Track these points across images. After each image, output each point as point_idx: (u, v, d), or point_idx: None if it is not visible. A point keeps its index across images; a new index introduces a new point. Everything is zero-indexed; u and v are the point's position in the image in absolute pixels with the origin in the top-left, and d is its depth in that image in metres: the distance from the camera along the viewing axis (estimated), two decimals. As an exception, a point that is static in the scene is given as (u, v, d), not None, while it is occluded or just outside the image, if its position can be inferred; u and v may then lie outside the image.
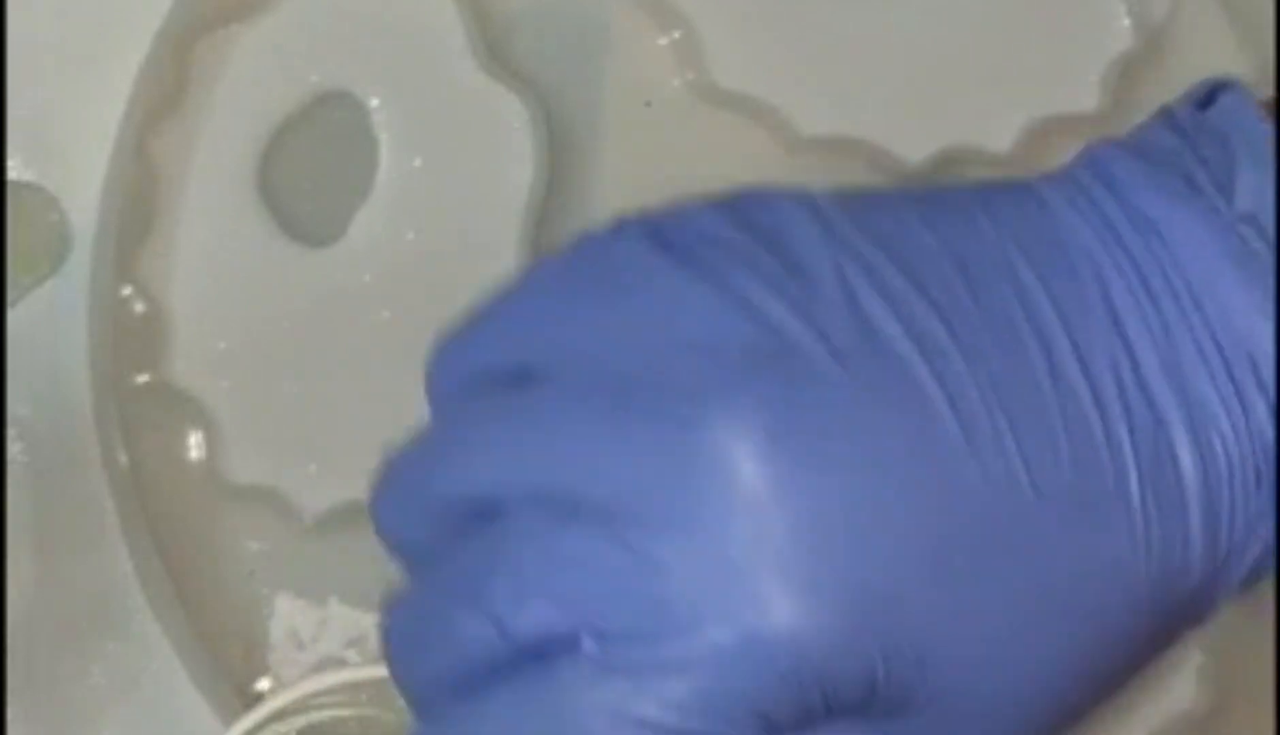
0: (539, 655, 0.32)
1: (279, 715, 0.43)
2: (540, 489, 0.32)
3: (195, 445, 0.49)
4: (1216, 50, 0.52)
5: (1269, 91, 0.36)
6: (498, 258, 0.49)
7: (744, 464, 0.31)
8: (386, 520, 0.35)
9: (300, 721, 0.44)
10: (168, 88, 0.49)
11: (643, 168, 0.51)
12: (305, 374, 0.49)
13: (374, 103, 0.49)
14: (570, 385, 0.33)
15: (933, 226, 0.33)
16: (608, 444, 0.32)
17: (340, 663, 0.49)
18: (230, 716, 0.47)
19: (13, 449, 0.47)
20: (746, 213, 0.33)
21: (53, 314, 0.48)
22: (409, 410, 0.49)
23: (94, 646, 0.47)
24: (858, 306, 0.32)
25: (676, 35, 0.51)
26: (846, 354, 0.32)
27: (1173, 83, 0.51)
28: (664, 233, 0.33)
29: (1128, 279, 0.33)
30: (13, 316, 0.47)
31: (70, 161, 0.48)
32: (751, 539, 0.31)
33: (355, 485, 0.48)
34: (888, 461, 0.31)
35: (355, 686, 0.45)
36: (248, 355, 0.49)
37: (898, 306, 0.32)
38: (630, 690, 0.31)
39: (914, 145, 0.50)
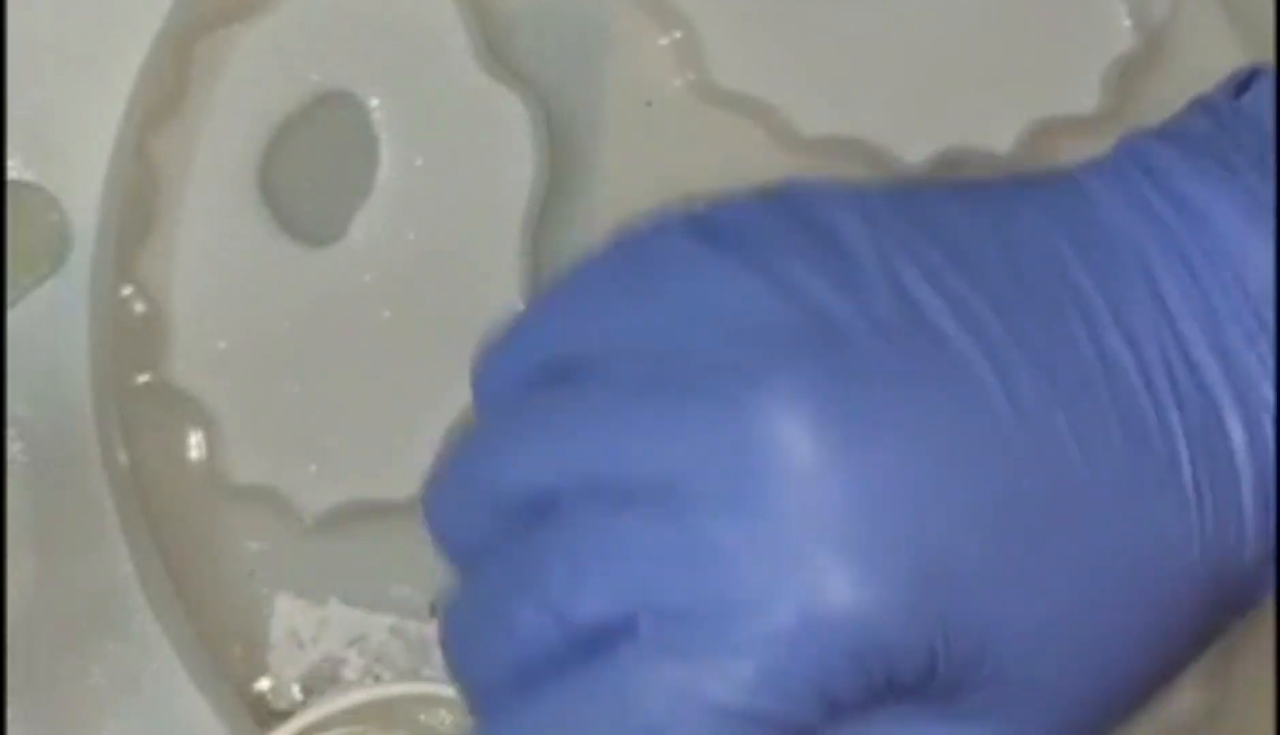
0: (598, 642, 0.32)
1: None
2: (594, 478, 0.32)
3: (195, 445, 0.49)
4: (1216, 50, 0.52)
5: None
6: (498, 258, 0.49)
7: (796, 442, 0.31)
8: (439, 519, 0.35)
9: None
10: (168, 88, 0.49)
11: (643, 168, 0.51)
12: (305, 374, 0.49)
13: (374, 103, 0.49)
14: (619, 375, 0.33)
15: (975, 213, 0.34)
16: (659, 429, 0.32)
17: (341, 661, 0.49)
18: (227, 718, 0.47)
19: (13, 449, 0.47)
20: (788, 202, 0.34)
21: (53, 314, 0.48)
22: (409, 410, 0.49)
23: (94, 646, 0.47)
24: (901, 285, 0.32)
25: (677, 35, 0.51)
26: (892, 331, 0.32)
27: (1173, 83, 0.52)
28: (705, 224, 0.34)
29: (1171, 260, 0.33)
30: (13, 316, 0.47)
31: (70, 161, 0.48)
32: (808, 517, 0.31)
33: (355, 485, 0.49)
34: (938, 434, 0.31)
35: (356, 710, 0.45)
36: (248, 355, 0.49)
37: (941, 286, 0.32)
38: (691, 671, 0.31)
39: (914, 145, 0.50)
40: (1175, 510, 0.32)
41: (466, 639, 0.34)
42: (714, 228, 0.34)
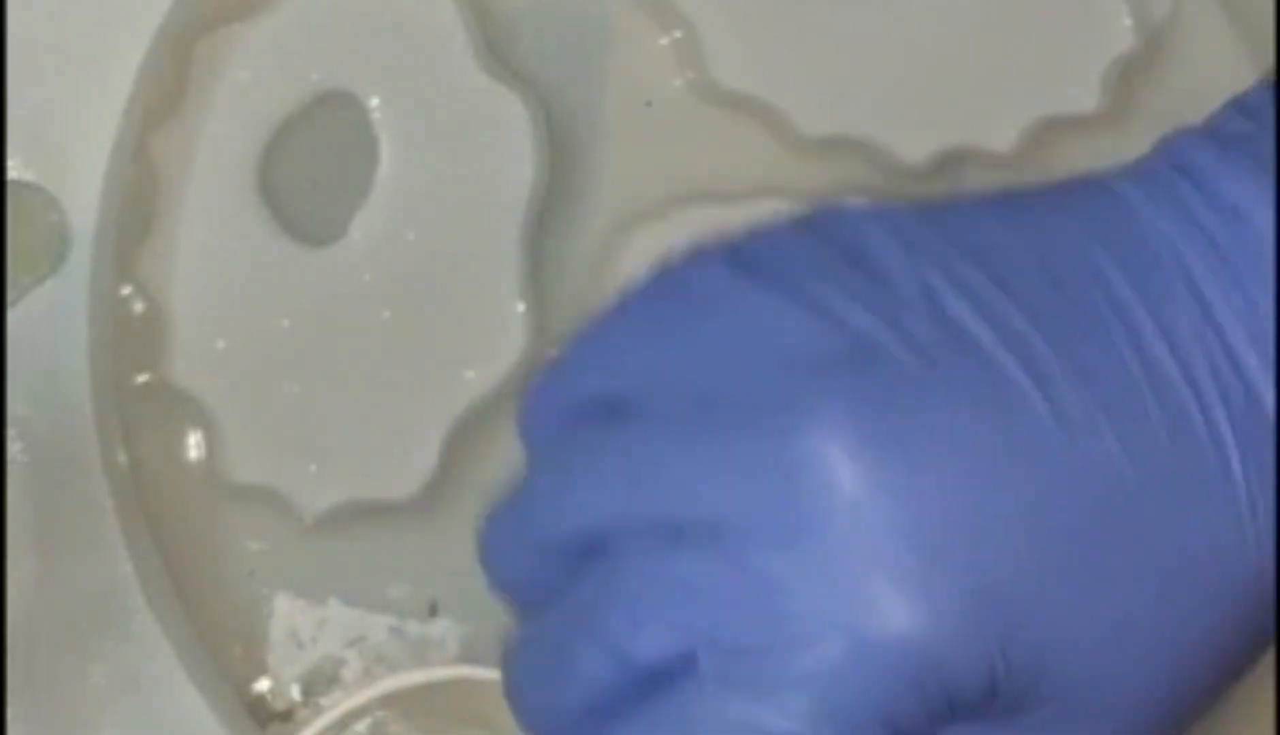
0: (660, 680, 0.32)
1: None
2: (643, 517, 0.33)
3: (195, 445, 0.49)
4: (1216, 50, 0.52)
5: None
6: (498, 258, 0.49)
7: (842, 471, 0.31)
8: (496, 564, 0.36)
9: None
10: (168, 87, 0.49)
11: (643, 168, 0.51)
12: (305, 374, 0.49)
13: (374, 103, 0.49)
14: (664, 413, 0.33)
15: (1008, 225, 0.34)
16: (705, 466, 0.32)
17: (340, 661, 0.49)
18: (226, 718, 0.47)
19: (13, 449, 0.47)
20: (822, 229, 0.34)
21: (52, 314, 0.48)
22: (409, 410, 0.49)
23: (94, 646, 0.47)
24: (939, 305, 0.32)
25: (677, 35, 0.51)
26: (931, 352, 0.32)
27: (1173, 83, 0.52)
28: (741, 255, 0.34)
29: (1211, 262, 0.33)
30: (13, 316, 0.47)
31: (70, 161, 0.48)
32: (860, 545, 0.31)
33: (355, 485, 0.49)
34: (985, 454, 0.31)
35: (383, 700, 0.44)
36: (248, 355, 0.49)
37: (978, 302, 0.32)
38: (753, 705, 0.31)
39: (914, 145, 0.50)
40: (1227, 515, 0.32)
41: (530, 683, 0.35)
42: (751, 259, 0.34)
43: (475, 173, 0.49)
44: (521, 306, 0.49)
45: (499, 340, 0.49)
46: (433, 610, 0.49)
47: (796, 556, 0.31)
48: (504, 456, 0.49)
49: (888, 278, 0.33)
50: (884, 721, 0.31)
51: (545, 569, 0.34)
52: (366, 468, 0.49)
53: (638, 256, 0.49)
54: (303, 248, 0.49)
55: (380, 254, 0.49)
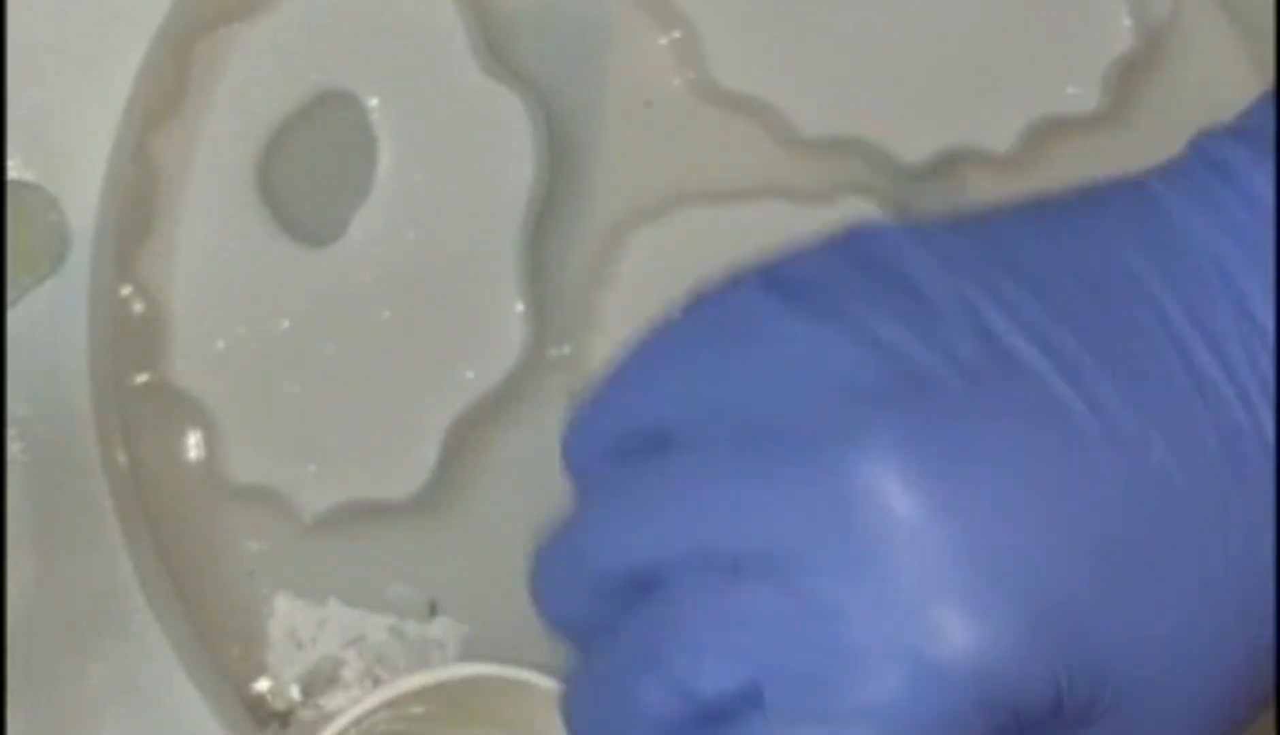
0: (725, 714, 0.32)
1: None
2: (699, 550, 0.33)
3: (195, 445, 0.49)
4: (1216, 50, 0.52)
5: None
6: (498, 258, 0.49)
7: (898, 498, 0.31)
8: (548, 601, 0.36)
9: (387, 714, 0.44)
10: (167, 87, 0.49)
11: (643, 168, 0.51)
12: (305, 374, 0.49)
13: (374, 103, 0.49)
14: (712, 443, 0.33)
15: (1047, 239, 0.34)
16: (760, 497, 0.32)
17: (340, 662, 0.49)
18: (225, 718, 0.47)
19: (13, 449, 0.47)
20: (858, 250, 0.34)
21: (52, 314, 0.48)
22: (409, 410, 0.49)
23: (94, 646, 0.47)
24: (983, 326, 0.32)
25: (677, 35, 0.51)
26: (980, 375, 0.32)
27: (1173, 83, 0.52)
28: (780, 280, 0.34)
29: (1246, 256, 0.33)
30: (12, 316, 0.47)
31: (70, 161, 0.48)
32: (919, 571, 0.31)
33: (355, 485, 0.49)
34: (1038, 474, 0.32)
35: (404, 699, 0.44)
36: (248, 355, 0.49)
37: (1024, 322, 0.32)
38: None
39: (914, 145, 0.50)
40: (1272, 518, 0.32)
41: (591, 718, 0.35)
42: (790, 285, 0.34)
43: (475, 173, 0.49)
44: (521, 306, 0.49)
45: (499, 340, 0.49)
46: (433, 610, 0.49)
47: (856, 585, 0.31)
48: (504, 456, 0.50)
49: (930, 299, 0.33)
50: None
51: (599, 604, 0.34)
52: (366, 468, 0.49)
53: (638, 256, 0.49)
54: (303, 248, 0.49)
55: (380, 254, 0.49)
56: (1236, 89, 0.51)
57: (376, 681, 0.48)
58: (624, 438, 0.35)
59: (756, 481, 0.32)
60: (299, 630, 0.49)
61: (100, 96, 0.48)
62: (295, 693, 0.49)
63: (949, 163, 0.50)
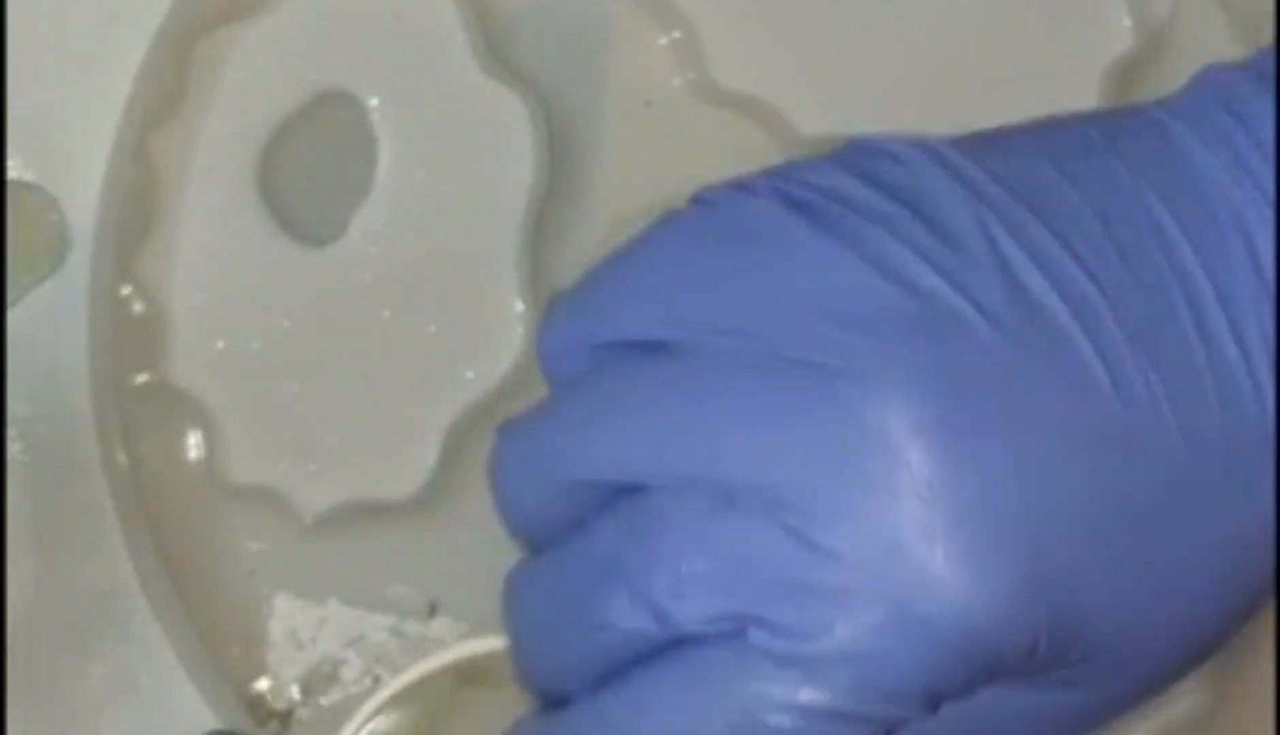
0: (697, 643, 0.31)
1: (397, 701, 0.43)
2: (692, 471, 0.31)
3: (195, 445, 0.49)
4: (1216, 50, 0.52)
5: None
6: (498, 257, 0.49)
7: (910, 445, 0.31)
8: (510, 494, 0.34)
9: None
10: (167, 87, 0.49)
11: (643, 168, 0.51)
12: (305, 374, 0.49)
13: (374, 102, 0.49)
14: (716, 358, 0.32)
15: (1069, 176, 0.33)
16: (766, 427, 0.31)
17: (340, 661, 0.49)
18: (226, 718, 0.47)
19: (13, 449, 0.47)
20: (875, 169, 0.33)
21: (52, 314, 0.48)
22: (409, 410, 0.49)
23: (94, 646, 0.47)
24: (1008, 269, 0.31)
25: (676, 35, 0.51)
26: (1002, 320, 0.31)
27: (1173, 83, 0.51)
28: (795, 196, 0.32)
29: (1264, 216, 0.33)
30: (12, 316, 0.47)
31: (70, 161, 0.48)
32: (919, 522, 0.31)
33: (355, 485, 0.48)
34: (1052, 437, 0.31)
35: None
36: (247, 355, 0.49)
37: (1050, 270, 0.32)
38: (802, 679, 0.31)
39: (914, 145, 0.50)
40: (1270, 484, 0.32)
41: (543, 626, 0.33)
42: (806, 202, 0.32)
43: (475, 173, 0.49)
44: (521, 306, 0.49)
45: (499, 340, 0.49)
46: (432, 610, 0.49)
47: (856, 531, 0.31)
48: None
49: (955, 235, 0.32)
50: (928, 692, 0.31)
51: (570, 506, 0.33)
52: (366, 468, 0.49)
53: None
54: (303, 247, 0.49)
55: (380, 254, 0.49)
56: (1236, 89, 0.51)
57: (376, 681, 0.48)
58: (616, 340, 0.33)
59: (762, 409, 0.31)
60: (299, 630, 0.49)
61: (100, 96, 0.48)
62: (295, 692, 0.49)
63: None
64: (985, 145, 0.33)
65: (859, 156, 0.33)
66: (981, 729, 0.33)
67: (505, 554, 0.49)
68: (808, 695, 0.31)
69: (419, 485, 0.48)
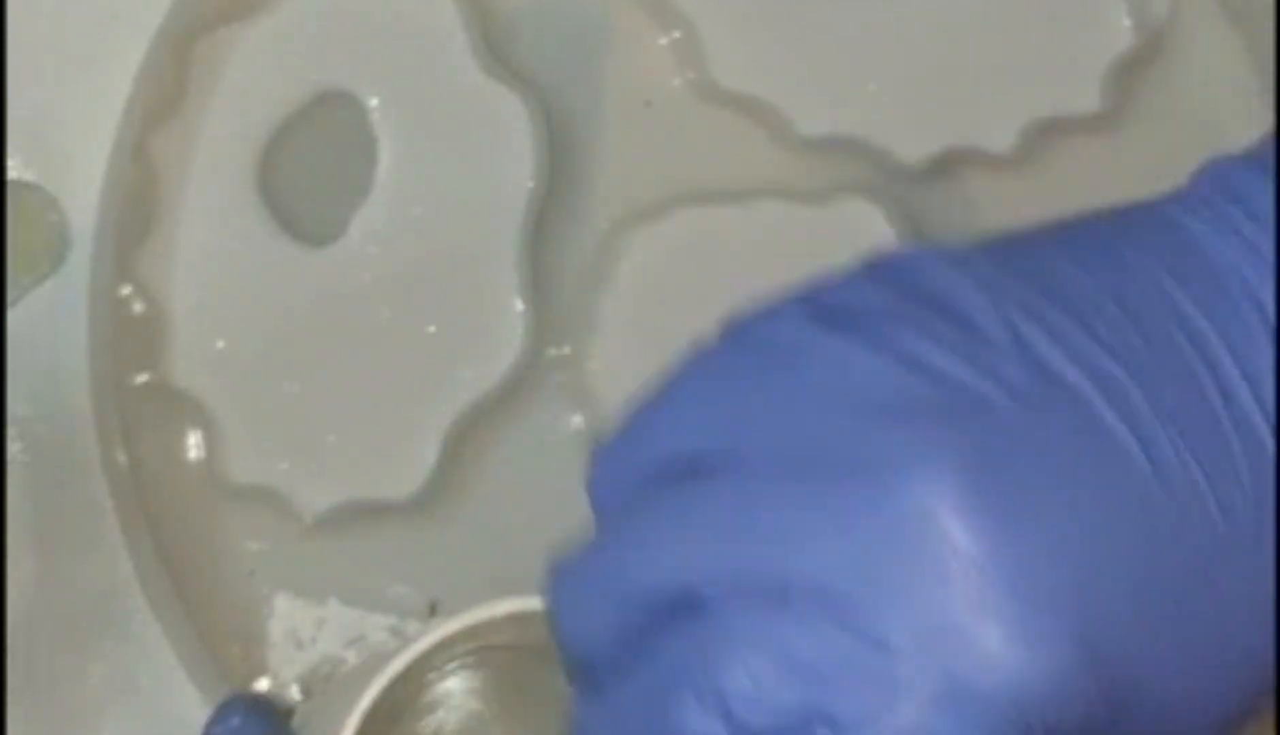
0: None
1: (453, 641, 0.42)
2: (744, 576, 0.32)
3: (195, 445, 0.49)
4: (1216, 50, 0.52)
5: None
6: (498, 258, 0.49)
7: (951, 525, 0.31)
8: (570, 620, 0.35)
9: (473, 645, 0.43)
10: (167, 88, 0.49)
11: (643, 168, 0.51)
12: (305, 374, 0.49)
13: (374, 102, 0.49)
14: (756, 468, 0.33)
15: (1083, 265, 0.34)
16: (809, 522, 0.32)
17: (340, 661, 0.49)
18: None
19: (13, 449, 0.47)
20: (898, 277, 0.34)
21: (52, 314, 0.48)
22: (409, 410, 0.49)
23: (94, 646, 0.47)
24: (1031, 352, 0.32)
25: (677, 35, 0.51)
26: (1029, 399, 0.32)
27: (1173, 83, 0.52)
28: (821, 307, 0.34)
29: (1271, 282, 0.33)
30: (12, 316, 0.47)
31: (70, 161, 0.48)
32: (970, 600, 0.31)
33: (355, 485, 0.49)
34: (1087, 503, 0.32)
35: (525, 618, 0.43)
36: (247, 355, 0.49)
37: (1070, 349, 0.32)
38: None
39: (914, 145, 0.50)
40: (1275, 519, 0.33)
41: None
42: (829, 310, 0.33)
43: (475, 173, 0.49)
44: (521, 306, 0.49)
45: (499, 340, 0.49)
46: (432, 610, 0.49)
47: (908, 616, 0.31)
48: (504, 456, 0.50)
49: (975, 326, 0.33)
50: None
51: (628, 628, 0.34)
52: (366, 468, 0.49)
53: (637, 256, 0.49)
54: (303, 247, 0.49)
55: (380, 254, 0.49)
56: (1236, 89, 0.51)
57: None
58: (657, 467, 0.34)
59: (806, 505, 0.32)
60: (299, 630, 0.49)
61: (100, 96, 0.48)
62: (295, 692, 0.49)
63: (949, 163, 0.50)
64: (998, 243, 0.34)
65: (875, 267, 0.34)
66: None
67: (505, 554, 0.49)
68: None
69: (419, 485, 0.49)
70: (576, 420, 0.50)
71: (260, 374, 0.49)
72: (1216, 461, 0.32)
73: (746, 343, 0.34)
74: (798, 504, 0.32)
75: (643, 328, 0.49)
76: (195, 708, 0.47)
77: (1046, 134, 0.50)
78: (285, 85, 0.49)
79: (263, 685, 0.49)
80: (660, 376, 0.35)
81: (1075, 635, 0.31)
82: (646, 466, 0.34)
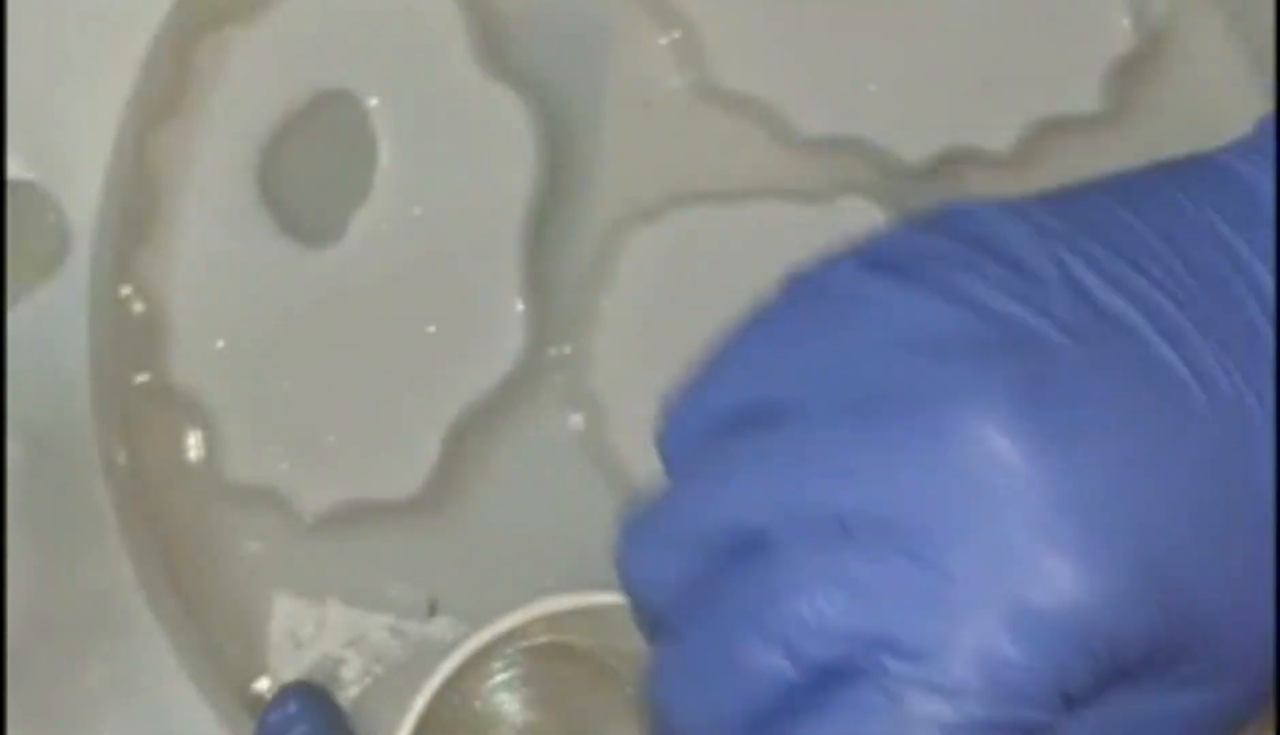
0: (834, 678, 0.32)
1: (518, 634, 0.42)
2: (808, 513, 0.33)
3: (195, 445, 0.49)
4: (1216, 50, 0.52)
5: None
6: (498, 258, 0.49)
7: (1008, 452, 0.32)
8: (637, 563, 0.35)
9: (542, 640, 0.44)
10: (168, 87, 0.49)
11: (643, 168, 0.51)
12: (305, 374, 0.49)
13: (374, 103, 0.49)
14: (820, 410, 0.33)
15: (1134, 208, 0.34)
16: (869, 457, 0.33)
17: (340, 661, 0.49)
18: (226, 717, 0.47)
19: (13, 449, 0.47)
20: (952, 225, 0.34)
21: (52, 314, 0.48)
22: (409, 410, 0.49)
23: (94, 646, 0.47)
24: (1081, 288, 0.33)
25: (676, 35, 0.51)
26: (1081, 333, 0.33)
27: (1173, 83, 0.52)
28: (876, 256, 0.34)
29: None
30: (13, 317, 0.48)
31: (70, 162, 0.48)
32: (1029, 523, 0.32)
33: (355, 485, 0.49)
34: (1142, 427, 0.32)
35: (593, 612, 0.44)
36: (247, 355, 0.49)
37: (1119, 284, 0.33)
38: (945, 700, 0.32)
39: (914, 145, 0.50)
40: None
41: (687, 687, 0.34)
42: (882, 258, 0.34)
43: (475, 173, 0.49)
44: (521, 306, 0.49)
45: (499, 340, 0.49)
46: (432, 610, 0.49)
47: (973, 546, 0.32)
48: (504, 456, 0.50)
49: (1025, 264, 0.33)
50: (1060, 691, 0.32)
51: (696, 569, 0.34)
52: (366, 468, 0.49)
53: (637, 256, 0.49)
54: (303, 248, 0.49)
55: (380, 254, 0.49)
56: (1236, 89, 0.51)
57: (376, 680, 0.48)
58: (723, 418, 0.35)
59: (867, 442, 0.33)
60: (299, 630, 0.49)
61: (100, 96, 0.49)
62: (295, 692, 0.49)
63: (949, 163, 0.50)
64: (1052, 194, 0.35)
65: (933, 217, 0.35)
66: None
67: (505, 554, 0.49)
68: (956, 715, 0.32)
69: (419, 485, 0.49)
70: (576, 420, 0.50)
71: (260, 374, 0.49)
72: (1266, 383, 0.33)
73: (804, 294, 0.35)
74: (857, 440, 0.33)
75: (643, 328, 0.49)
76: (195, 707, 0.47)
77: (1046, 134, 0.50)
78: (285, 85, 0.49)
79: (263, 685, 0.49)
80: (726, 332, 0.36)
81: (1136, 558, 0.32)
82: (712, 419, 0.35)
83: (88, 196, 0.48)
